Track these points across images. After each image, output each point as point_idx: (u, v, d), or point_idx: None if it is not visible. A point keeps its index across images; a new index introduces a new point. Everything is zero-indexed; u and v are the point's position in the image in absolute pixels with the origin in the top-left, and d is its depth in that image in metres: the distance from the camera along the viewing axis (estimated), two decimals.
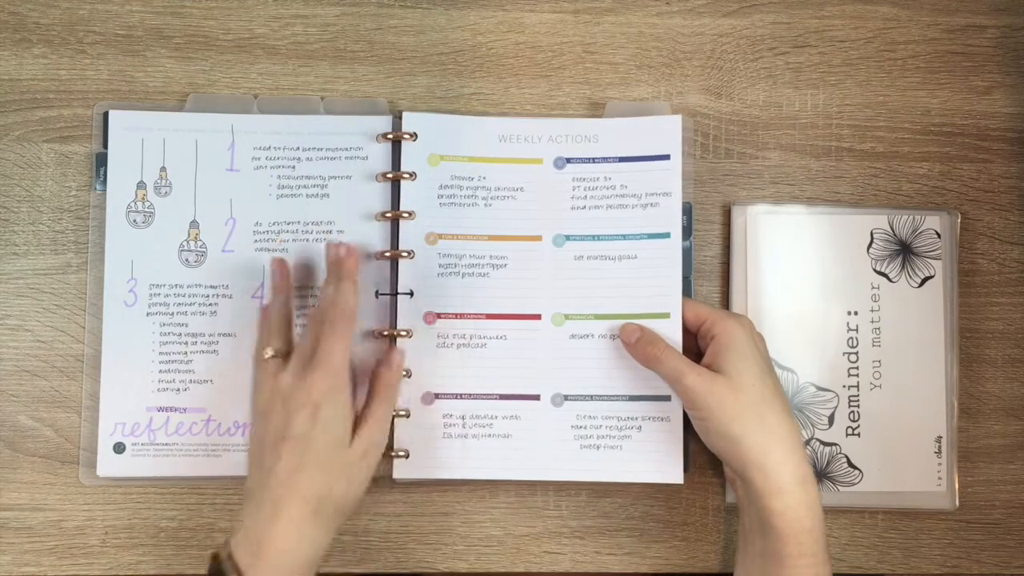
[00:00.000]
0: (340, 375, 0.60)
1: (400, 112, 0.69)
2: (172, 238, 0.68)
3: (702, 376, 0.61)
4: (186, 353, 0.67)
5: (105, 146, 0.68)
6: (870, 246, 0.70)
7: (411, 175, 0.68)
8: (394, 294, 0.68)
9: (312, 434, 0.58)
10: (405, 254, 0.67)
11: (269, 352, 0.62)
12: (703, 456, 0.69)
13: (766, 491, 0.59)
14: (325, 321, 0.60)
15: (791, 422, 0.61)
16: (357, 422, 0.61)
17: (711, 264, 0.70)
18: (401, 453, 0.67)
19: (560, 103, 0.71)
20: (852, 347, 0.70)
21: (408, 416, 0.67)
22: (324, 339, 0.60)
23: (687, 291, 0.69)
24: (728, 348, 0.62)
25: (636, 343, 0.65)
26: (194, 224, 0.68)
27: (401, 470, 0.67)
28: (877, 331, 0.70)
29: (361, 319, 0.67)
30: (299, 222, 0.68)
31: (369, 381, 0.63)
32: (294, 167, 0.68)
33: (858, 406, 0.69)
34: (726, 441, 0.61)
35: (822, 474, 0.69)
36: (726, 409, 0.60)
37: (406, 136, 0.68)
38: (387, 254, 0.68)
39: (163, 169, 0.68)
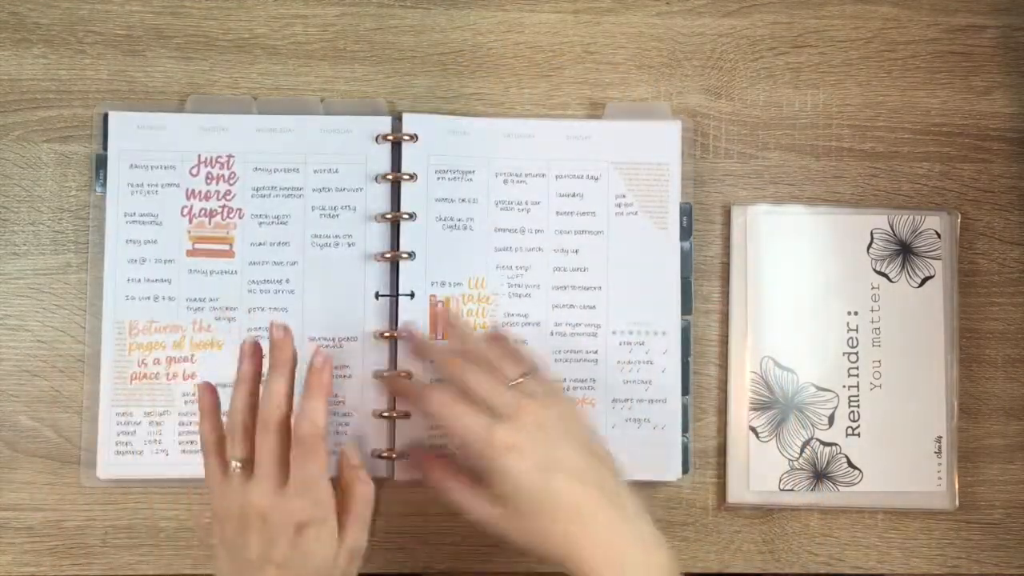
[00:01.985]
0: (323, 501, 0.58)
1: (400, 113, 0.69)
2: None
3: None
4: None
5: (105, 148, 0.68)
6: (870, 246, 0.70)
7: (412, 176, 0.68)
8: (395, 295, 0.68)
9: (298, 563, 0.56)
10: (406, 255, 0.67)
11: (235, 465, 0.58)
12: (703, 456, 0.69)
13: None
14: (298, 443, 0.58)
15: (521, 532, 0.57)
16: (340, 524, 0.59)
17: (711, 264, 0.70)
18: (405, 454, 0.67)
19: (560, 103, 0.71)
20: (852, 347, 0.70)
21: (409, 418, 0.67)
22: (300, 462, 0.57)
23: (687, 291, 0.69)
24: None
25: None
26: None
27: (403, 472, 0.67)
28: (877, 331, 0.70)
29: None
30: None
31: (341, 487, 0.61)
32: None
33: (858, 406, 0.69)
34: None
35: (822, 474, 0.69)
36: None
37: (406, 137, 0.68)
38: (388, 255, 0.68)
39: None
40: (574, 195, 0.69)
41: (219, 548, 0.59)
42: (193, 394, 0.66)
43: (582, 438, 0.59)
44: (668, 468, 0.68)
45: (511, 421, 0.58)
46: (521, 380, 0.60)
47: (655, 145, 0.69)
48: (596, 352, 0.68)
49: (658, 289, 0.68)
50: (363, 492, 0.60)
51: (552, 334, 0.68)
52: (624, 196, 0.69)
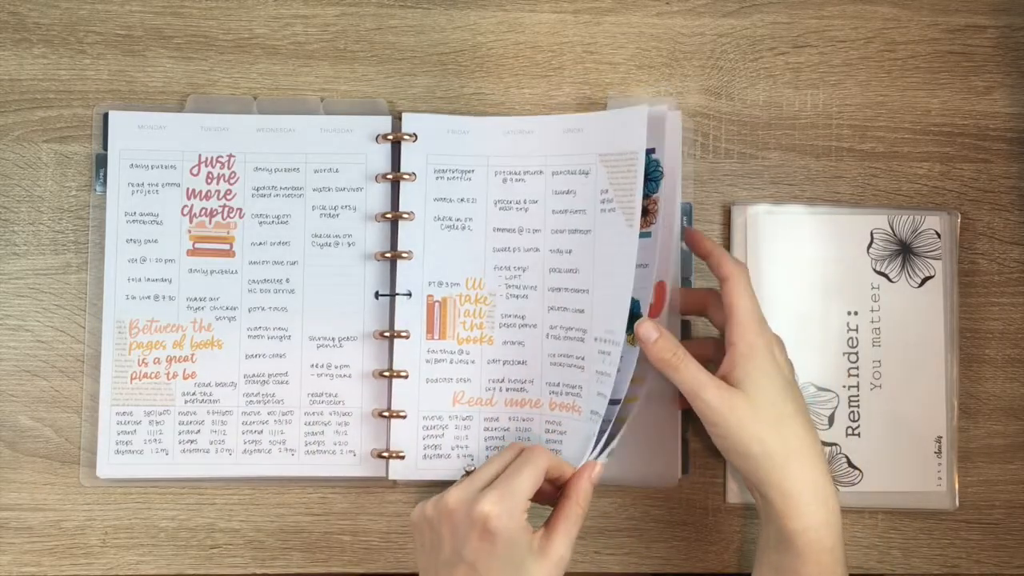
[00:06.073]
0: (517, 497, 0.56)
1: (400, 113, 0.69)
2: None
3: (720, 391, 0.58)
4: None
5: (105, 147, 0.68)
6: (870, 246, 0.70)
7: (411, 176, 0.68)
8: (393, 295, 0.68)
9: (486, 563, 0.55)
10: (405, 255, 0.67)
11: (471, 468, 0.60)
12: (703, 456, 0.69)
13: (785, 511, 0.58)
14: (528, 455, 0.59)
15: (812, 436, 0.59)
16: (546, 534, 0.58)
17: None
18: (399, 454, 0.67)
19: (560, 103, 0.71)
20: (852, 347, 0.70)
21: (405, 417, 0.67)
22: (516, 463, 0.58)
23: None
24: (747, 360, 0.59)
25: (654, 345, 0.59)
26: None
27: (397, 471, 0.67)
28: (877, 331, 0.70)
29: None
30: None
31: (565, 490, 0.60)
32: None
33: (858, 406, 0.69)
34: (744, 459, 0.59)
35: None
36: (745, 427, 0.58)
37: (406, 137, 0.68)
38: (387, 255, 0.68)
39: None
40: (567, 192, 0.67)
41: (419, 548, 0.60)
42: (193, 393, 0.67)
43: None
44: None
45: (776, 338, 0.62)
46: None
47: (628, 134, 0.64)
48: (583, 359, 0.65)
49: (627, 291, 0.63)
50: (579, 510, 0.59)
51: (548, 336, 0.67)
52: (607, 191, 0.66)
